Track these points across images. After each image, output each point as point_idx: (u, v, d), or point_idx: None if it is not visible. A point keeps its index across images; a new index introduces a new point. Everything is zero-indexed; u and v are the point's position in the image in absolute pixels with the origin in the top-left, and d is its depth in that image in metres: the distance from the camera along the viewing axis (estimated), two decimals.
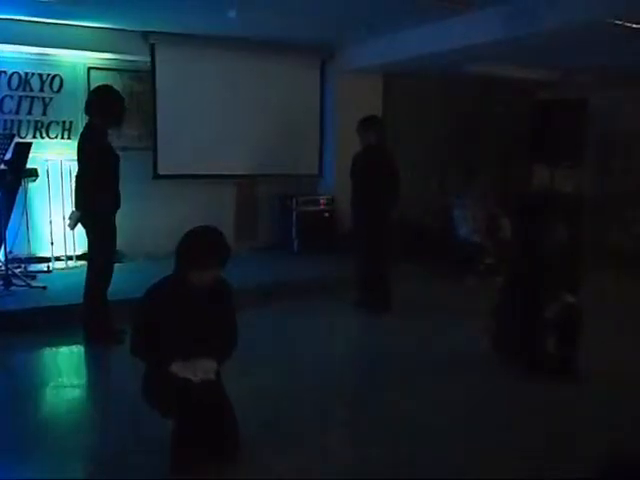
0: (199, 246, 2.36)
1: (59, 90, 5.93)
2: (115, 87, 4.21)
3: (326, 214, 6.73)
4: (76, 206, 3.94)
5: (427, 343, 4.21)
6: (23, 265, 5.45)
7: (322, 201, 6.75)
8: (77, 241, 5.88)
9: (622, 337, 4.26)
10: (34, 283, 5.02)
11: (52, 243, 5.81)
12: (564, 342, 3.51)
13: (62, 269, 5.72)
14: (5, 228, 5.02)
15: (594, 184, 7.19)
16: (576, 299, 3.51)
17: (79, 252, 5.92)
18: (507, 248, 5.85)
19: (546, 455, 2.70)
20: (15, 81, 5.73)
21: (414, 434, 2.86)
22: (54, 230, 5.82)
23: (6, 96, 5.69)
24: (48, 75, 5.87)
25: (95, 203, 3.83)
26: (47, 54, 5.78)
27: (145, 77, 6.15)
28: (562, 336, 3.51)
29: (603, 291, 5.12)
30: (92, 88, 4.31)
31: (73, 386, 3.48)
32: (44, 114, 5.87)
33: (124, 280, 4.45)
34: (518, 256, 3.88)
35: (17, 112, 5.76)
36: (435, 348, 4.11)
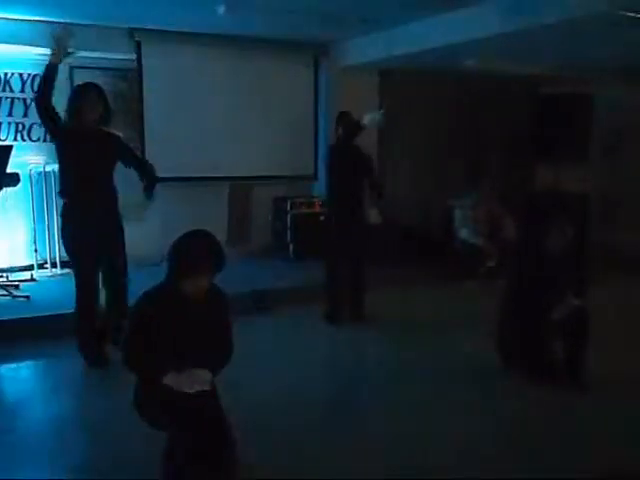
0: (192, 251, 2.34)
1: None
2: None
3: (322, 217, 6.72)
4: None
5: (426, 350, 4.22)
6: (5, 274, 5.43)
7: (317, 203, 6.75)
8: (61, 248, 5.86)
9: (629, 341, 4.28)
10: (17, 292, 5.00)
11: (36, 250, 5.80)
12: (570, 346, 3.53)
13: (46, 277, 5.70)
14: None
15: (600, 183, 7.22)
16: (583, 302, 3.53)
17: (64, 259, 5.91)
18: (510, 249, 5.88)
19: (548, 460, 2.72)
20: None
21: (415, 441, 2.89)
22: (38, 237, 5.80)
23: None
24: (29, 75, 5.86)
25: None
26: (27, 52, 5.75)
27: (131, 76, 6.15)
28: (568, 340, 3.52)
29: (610, 293, 5.15)
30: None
31: (60, 400, 3.46)
32: (25, 116, 5.85)
33: None
34: (522, 257, 3.90)
35: None
36: (435, 354, 4.13)
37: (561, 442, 2.91)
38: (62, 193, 3.80)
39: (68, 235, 3.79)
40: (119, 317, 3.72)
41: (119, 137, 4.04)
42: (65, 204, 3.80)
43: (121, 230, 3.91)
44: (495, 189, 6.57)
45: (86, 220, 3.70)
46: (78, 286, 3.80)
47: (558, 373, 3.54)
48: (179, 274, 2.34)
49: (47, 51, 5.63)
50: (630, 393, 3.45)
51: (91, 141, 3.69)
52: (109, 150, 3.84)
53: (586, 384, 3.44)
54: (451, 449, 2.83)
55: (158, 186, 6.09)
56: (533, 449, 2.83)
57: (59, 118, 3.75)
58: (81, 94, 3.76)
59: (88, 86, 3.87)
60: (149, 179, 3.97)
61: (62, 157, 3.79)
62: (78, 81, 5.88)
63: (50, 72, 3.71)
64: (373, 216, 4.78)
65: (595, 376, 3.48)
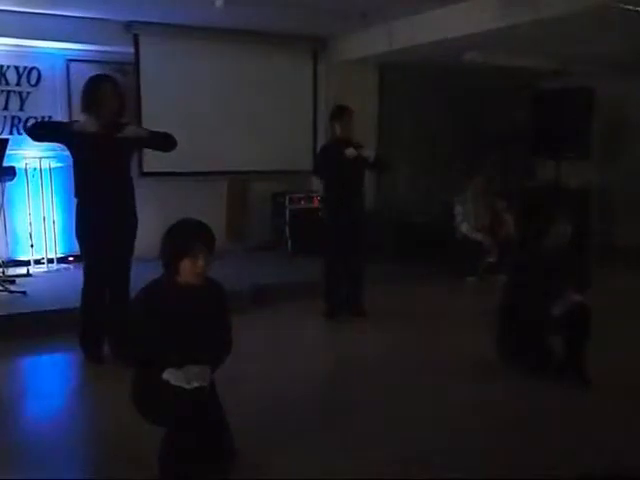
0: (183, 231, 2.42)
1: (37, 84, 5.91)
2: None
3: (320, 212, 6.72)
4: None
5: (426, 347, 4.22)
6: (1, 269, 5.42)
7: (316, 198, 6.74)
8: (58, 243, 5.86)
9: (631, 338, 4.28)
10: (13, 288, 5.00)
11: (32, 245, 5.79)
12: (572, 343, 3.53)
13: (43, 272, 5.70)
14: None
15: (601, 178, 7.22)
16: (584, 298, 3.53)
17: (60, 254, 5.92)
18: (511, 245, 5.88)
19: (547, 458, 2.73)
20: None
21: (415, 439, 2.90)
22: (34, 232, 5.80)
23: None
24: (25, 68, 5.84)
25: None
26: (23, 46, 5.73)
27: (129, 69, 6.13)
28: (569, 337, 3.52)
29: (612, 290, 5.15)
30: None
31: (56, 396, 3.46)
32: (21, 109, 5.84)
33: None
34: (522, 253, 3.90)
35: None
36: (436, 351, 4.13)
37: (561, 440, 2.92)
38: (79, 189, 3.72)
39: (83, 230, 3.74)
40: (119, 314, 3.71)
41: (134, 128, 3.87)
42: (82, 198, 3.72)
43: (135, 227, 3.86)
44: (493, 184, 6.56)
45: (103, 216, 3.66)
46: (86, 282, 3.78)
47: (559, 370, 3.54)
48: (175, 260, 2.36)
49: (43, 44, 5.71)
50: (632, 390, 3.45)
51: (109, 135, 3.60)
52: (127, 142, 3.72)
53: (588, 381, 3.45)
54: (451, 447, 2.83)
55: (154, 179, 6.17)
56: (533, 447, 2.83)
57: (59, 126, 3.69)
58: (98, 87, 3.66)
59: (103, 78, 3.81)
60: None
61: (79, 154, 3.68)
62: (74, 74, 5.92)
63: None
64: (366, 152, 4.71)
65: (597, 373, 3.48)
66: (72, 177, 3.76)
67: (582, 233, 5.33)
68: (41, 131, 3.80)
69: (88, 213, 3.71)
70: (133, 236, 3.87)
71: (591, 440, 2.91)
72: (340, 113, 4.73)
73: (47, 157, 5.72)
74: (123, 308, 3.67)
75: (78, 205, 3.76)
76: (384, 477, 2.58)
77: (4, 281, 5.07)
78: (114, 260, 3.77)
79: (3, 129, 5.76)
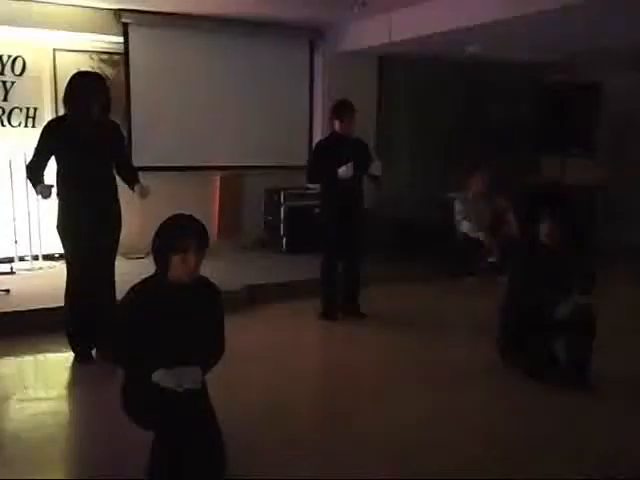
0: (175, 226, 2.41)
1: (22, 73, 5.88)
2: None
3: (317, 209, 6.71)
4: None
5: (425, 348, 4.24)
6: None
7: (313, 195, 6.73)
8: (43, 239, 5.84)
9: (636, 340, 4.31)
10: None
11: (16, 242, 5.77)
12: (575, 346, 3.54)
13: (27, 270, 5.68)
14: None
15: (610, 176, 7.22)
16: (589, 300, 3.54)
17: (45, 251, 5.89)
18: (513, 244, 5.89)
19: (548, 460, 2.76)
20: None
21: (415, 441, 2.91)
22: (18, 227, 5.77)
23: None
24: (9, 57, 5.82)
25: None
26: (7, 33, 5.70)
27: (118, 60, 6.11)
28: (573, 340, 3.54)
29: (619, 292, 5.18)
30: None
31: (40, 399, 3.45)
32: (5, 100, 5.82)
33: None
34: (524, 253, 3.91)
35: None
36: (435, 352, 4.15)
37: (562, 442, 2.95)
38: (61, 188, 3.72)
39: (64, 228, 3.74)
40: (107, 313, 3.71)
41: (119, 127, 3.94)
42: (64, 197, 3.73)
43: (119, 225, 3.89)
44: (495, 182, 6.57)
45: (86, 215, 3.68)
46: (70, 280, 3.78)
47: (561, 373, 3.56)
48: (167, 256, 2.36)
49: (28, 31, 5.68)
50: (634, 393, 3.48)
51: (93, 134, 3.62)
52: (111, 141, 3.78)
53: (589, 384, 3.47)
54: (450, 448, 2.86)
55: (143, 175, 6.10)
56: (533, 449, 2.87)
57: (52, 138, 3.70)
58: (84, 84, 3.64)
59: (90, 75, 3.81)
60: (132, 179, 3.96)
61: (62, 154, 3.69)
62: (60, 64, 5.90)
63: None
64: (374, 167, 4.70)
65: (599, 376, 3.50)
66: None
67: (587, 232, 5.35)
68: (33, 172, 3.74)
69: (70, 211, 3.71)
70: (117, 236, 3.89)
71: (592, 442, 2.94)
72: (342, 110, 4.67)
73: (32, 150, 5.68)
74: (109, 306, 3.68)
75: (60, 202, 3.76)
76: (383, 477, 2.60)
77: None
78: (98, 258, 3.77)
79: None
